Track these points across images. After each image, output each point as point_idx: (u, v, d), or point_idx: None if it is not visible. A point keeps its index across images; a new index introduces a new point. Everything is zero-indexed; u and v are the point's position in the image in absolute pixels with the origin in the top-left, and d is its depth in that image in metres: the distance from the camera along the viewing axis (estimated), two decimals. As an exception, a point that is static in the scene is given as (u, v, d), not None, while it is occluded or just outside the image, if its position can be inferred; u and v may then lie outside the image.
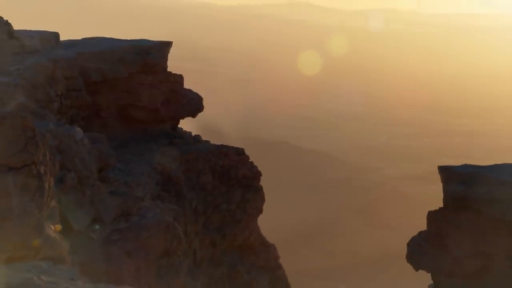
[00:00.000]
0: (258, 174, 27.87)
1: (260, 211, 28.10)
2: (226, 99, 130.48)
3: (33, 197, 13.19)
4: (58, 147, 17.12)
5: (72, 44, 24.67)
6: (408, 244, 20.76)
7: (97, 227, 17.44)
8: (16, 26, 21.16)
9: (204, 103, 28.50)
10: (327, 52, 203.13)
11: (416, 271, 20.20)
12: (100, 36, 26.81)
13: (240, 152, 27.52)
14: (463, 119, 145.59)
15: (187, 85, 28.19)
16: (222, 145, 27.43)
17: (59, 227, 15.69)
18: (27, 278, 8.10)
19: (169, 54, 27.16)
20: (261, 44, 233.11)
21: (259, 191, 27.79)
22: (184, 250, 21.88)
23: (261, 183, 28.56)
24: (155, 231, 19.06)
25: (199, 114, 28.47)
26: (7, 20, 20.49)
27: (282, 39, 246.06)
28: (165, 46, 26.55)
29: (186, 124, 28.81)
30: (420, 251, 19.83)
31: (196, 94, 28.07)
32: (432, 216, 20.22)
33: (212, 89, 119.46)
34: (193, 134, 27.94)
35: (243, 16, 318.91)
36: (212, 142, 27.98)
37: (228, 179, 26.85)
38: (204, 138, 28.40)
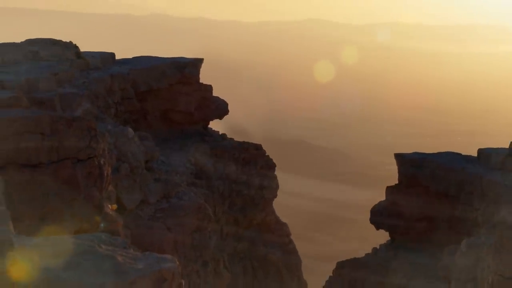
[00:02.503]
0: (273, 165, 28.43)
1: (274, 196, 28.53)
2: (250, 103, 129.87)
3: (95, 182, 14.80)
4: (114, 143, 18.61)
5: (125, 62, 25.68)
6: (371, 211, 22.49)
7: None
8: (82, 48, 22.53)
9: (231, 107, 29.12)
10: (339, 61, 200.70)
11: (377, 230, 21.79)
12: (146, 55, 27.61)
13: (258, 147, 28.13)
14: (464, 120, 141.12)
15: (217, 92, 28.90)
16: (243, 142, 28.03)
17: (115, 206, 16.91)
18: (91, 246, 8.75)
19: (201, 67, 27.88)
20: (281, 55, 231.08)
21: (274, 179, 28.30)
22: (213, 226, 22.76)
23: (280, 176, 28.93)
24: (190, 210, 20.29)
25: (227, 116, 29.11)
26: (75, 44, 21.96)
27: (299, 51, 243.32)
28: (198, 62, 27.46)
29: (215, 125, 29.56)
30: (380, 215, 21.53)
31: (223, 100, 28.87)
32: (389, 190, 21.95)
33: (239, 95, 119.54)
34: (220, 133, 28.67)
35: (265, 32, 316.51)
36: (236, 139, 28.55)
37: (248, 169, 27.37)
38: (231, 137, 28.95)
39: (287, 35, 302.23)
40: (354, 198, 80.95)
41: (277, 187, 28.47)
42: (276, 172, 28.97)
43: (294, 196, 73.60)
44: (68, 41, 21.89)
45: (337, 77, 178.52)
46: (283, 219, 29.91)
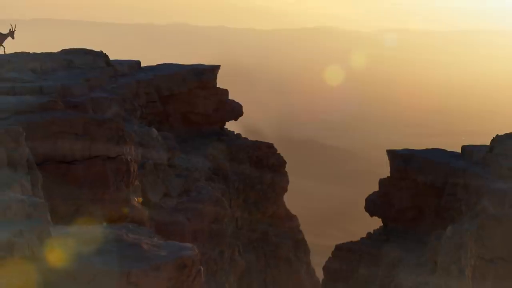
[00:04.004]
0: (284, 162, 28.84)
1: (285, 190, 28.96)
2: (264, 106, 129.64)
3: (123, 178, 15.46)
4: (140, 142, 18.98)
5: (149, 68, 26.38)
6: (365, 200, 23.28)
7: None
8: (110, 57, 23.24)
9: (246, 109, 29.66)
10: (348, 66, 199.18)
11: (371, 217, 22.30)
12: (168, 61, 28.27)
13: (270, 145, 28.62)
14: (468, 120, 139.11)
15: (233, 95, 29.46)
16: (256, 141, 28.64)
17: (140, 199, 17.49)
18: (119, 235, 9.17)
19: (218, 73, 28.44)
20: (293, 61, 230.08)
21: (284, 175, 28.74)
22: (229, 218, 23.50)
23: (293, 174, 29.38)
24: (208, 203, 20.84)
25: (242, 118, 29.63)
26: (105, 53, 22.71)
27: (310, 56, 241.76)
28: (215, 68, 28.11)
29: (231, 126, 30.10)
30: (374, 204, 22.16)
31: (238, 103, 29.37)
32: (382, 182, 22.85)
33: (253, 98, 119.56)
34: (235, 133, 29.25)
35: (279, 39, 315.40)
36: (250, 139, 29.05)
37: (261, 166, 27.89)
38: (246, 136, 29.47)
39: (299, 42, 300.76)
40: (363, 194, 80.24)
41: (287, 182, 28.93)
42: (287, 170, 29.17)
43: (305, 193, 73.47)
44: (98, 50, 22.65)
45: (346, 81, 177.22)
46: (295, 214, 30.18)
